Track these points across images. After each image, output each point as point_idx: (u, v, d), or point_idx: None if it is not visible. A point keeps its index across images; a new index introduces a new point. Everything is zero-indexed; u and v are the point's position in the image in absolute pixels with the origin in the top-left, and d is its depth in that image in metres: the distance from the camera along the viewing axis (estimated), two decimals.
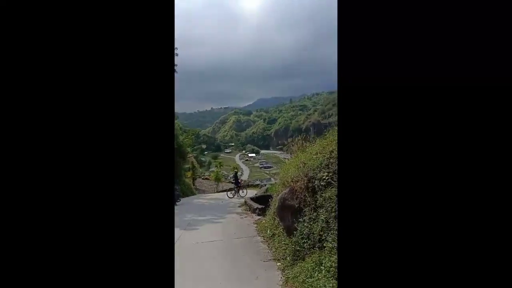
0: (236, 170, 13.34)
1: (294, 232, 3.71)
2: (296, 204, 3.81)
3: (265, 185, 15.61)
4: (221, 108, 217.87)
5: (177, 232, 6.09)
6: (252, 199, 9.19)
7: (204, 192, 17.86)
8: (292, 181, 4.07)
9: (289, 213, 3.98)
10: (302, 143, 5.09)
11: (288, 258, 3.62)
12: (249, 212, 8.00)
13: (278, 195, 5.08)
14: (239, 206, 9.09)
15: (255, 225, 6.31)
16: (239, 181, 12.32)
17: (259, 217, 7.09)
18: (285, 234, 4.17)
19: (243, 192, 12.00)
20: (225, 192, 13.04)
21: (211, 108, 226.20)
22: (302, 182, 3.79)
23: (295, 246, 3.57)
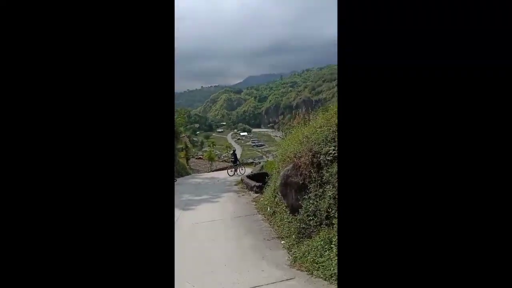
0: (234, 148, 13.09)
1: (299, 209, 3.55)
2: (301, 180, 3.62)
3: (259, 163, 15.55)
4: (211, 86, 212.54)
5: (175, 213, 5.92)
6: (248, 177, 9.06)
7: (198, 171, 17.71)
8: (295, 157, 3.85)
9: (293, 190, 3.80)
10: (304, 116, 4.82)
11: (293, 236, 3.50)
12: (246, 190, 7.88)
13: (279, 172, 4.90)
14: (235, 185, 8.96)
15: (254, 203, 6.19)
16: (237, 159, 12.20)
17: (257, 194, 6.98)
18: (288, 212, 4.03)
19: (242, 169, 11.90)
20: (221, 171, 13.01)
21: (201, 87, 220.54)
22: (306, 157, 3.58)
23: (300, 223, 3.44)
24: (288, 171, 3.92)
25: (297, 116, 5.15)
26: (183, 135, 15.12)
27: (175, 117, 14.08)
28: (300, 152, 3.80)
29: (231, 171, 11.80)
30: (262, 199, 6.26)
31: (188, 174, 14.49)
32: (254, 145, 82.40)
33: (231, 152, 12.53)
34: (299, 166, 3.70)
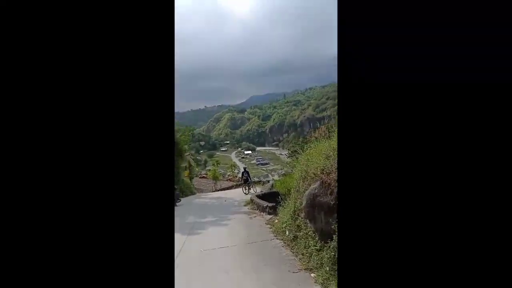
0: (245, 166, 12.57)
1: (332, 235, 2.96)
2: (331, 200, 3.06)
3: (268, 181, 14.92)
4: (214, 106, 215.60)
5: (180, 238, 5.30)
6: (258, 196, 8.47)
7: (202, 191, 17.13)
8: (323, 173, 3.31)
9: (322, 212, 3.22)
10: (327, 128, 4.34)
11: (326, 267, 2.88)
12: (257, 211, 7.26)
13: (299, 191, 4.33)
14: (244, 205, 8.33)
15: (268, 225, 5.56)
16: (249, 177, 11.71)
17: (270, 216, 6.35)
18: (316, 238, 3.42)
19: (253, 188, 11.31)
20: (227, 190, 12.49)
21: (205, 106, 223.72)
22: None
23: (335, 252, 2.83)
24: (315, 190, 3.36)
25: (318, 129, 4.65)
26: (187, 153, 14.66)
27: (179, 135, 13.72)
28: (328, 167, 3.26)
29: (245, 188, 11.37)
30: (277, 221, 5.64)
31: (192, 193, 13.86)
32: (258, 164, 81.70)
33: (243, 170, 12.04)
34: (329, 184, 3.15)
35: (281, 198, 5.96)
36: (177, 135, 13.40)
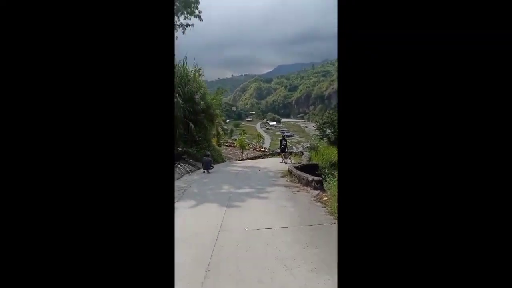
0: (283, 135, 11.69)
1: None
2: None
3: (302, 152, 13.94)
4: (241, 75, 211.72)
5: (219, 210, 4.60)
6: (296, 168, 7.58)
7: (229, 159, 16.72)
8: None
9: None
10: None
11: None
12: (298, 184, 6.39)
13: None
14: (282, 177, 7.51)
15: (319, 203, 4.66)
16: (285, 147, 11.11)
17: (317, 191, 5.45)
18: None
19: (289, 159, 10.58)
20: (255, 160, 11.88)
21: (231, 75, 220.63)
22: None
23: None
24: None
25: None
26: (217, 120, 13.88)
27: (210, 98, 12.85)
28: None
29: (284, 158, 10.90)
30: (326, 198, 4.72)
31: (223, 161, 13.33)
32: (283, 135, 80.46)
33: (281, 138, 11.36)
34: None
35: (322, 172, 4.96)
36: (209, 98, 12.56)
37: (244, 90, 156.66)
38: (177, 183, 7.10)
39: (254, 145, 40.30)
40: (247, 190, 6.12)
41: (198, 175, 8.42)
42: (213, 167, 9.15)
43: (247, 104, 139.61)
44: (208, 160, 8.86)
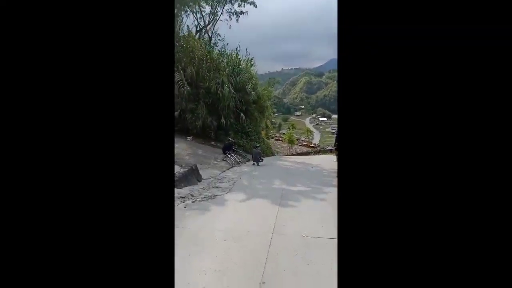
0: (337, 131, 10.76)
1: None
2: None
3: None
4: (291, 68, 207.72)
5: (271, 208, 4.17)
6: None
7: (277, 153, 16.28)
8: None
9: None
10: None
11: None
12: None
13: None
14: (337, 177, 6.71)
15: None
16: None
17: None
18: None
19: None
20: (305, 156, 11.18)
21: (281, 69, 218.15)
22: None
23: None
24: None
25: None
26: (267, 112, 13.44)
27: (262, 89, 12.44)
28: None
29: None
30: None
31: (272, 154, 12.94)
32: (334, 132, 76.82)
33: (336, 135, 10.39)
34: None
35: None
36: (260, 89, 12.19)
37: (294, 84, 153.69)
38: (227, 174, 6.91)
39: (302, 140, 39.15)
40: (301, 188, 5.56)
41: (248, 167, 8.15)
42: (263, 159, 8.78)
43: (296, 98, 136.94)
44: (257, 152, 8.52)
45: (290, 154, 21.82)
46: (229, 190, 5.30)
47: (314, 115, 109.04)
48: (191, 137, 10.07)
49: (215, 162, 7.94)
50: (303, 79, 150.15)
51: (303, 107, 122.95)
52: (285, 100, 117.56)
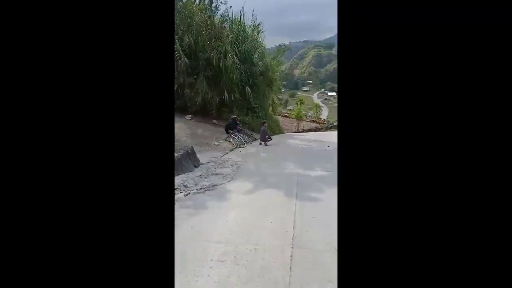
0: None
1: None
2: None
3: None
4: (299, 41, 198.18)
5: (285, 202, 3.20)
6: None
7: (285, 130, 15.16)
8: None
9: None
10: None
11: None
12: None
13: None
14: None
15: None
16: None
17: None
18: None
19: None
20: (315, 132, 10.07)
21: (289, 42, 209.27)
22: None
23: None
24: None
25: None
26: (276, 85, 12.12)
27: (269, 59, 11.04)
28: None
29: None
30: None
31: (281, 132, 11.84)
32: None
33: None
34: None
35: None
36: (268, 59, 10.79)
37: (302, 57, 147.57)
38: (230, 156, 5.93)
39: (311, 116, 37.73)
40: (320, 172, 4.55)
41: (254, 148, 7.14)
42: (271, 138, 7.73)
43: (304, 72, 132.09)
44: (263, 129, 7.46)
45: (298, 131, 20.83)
46: (232, 177, 4.33)
47: (323, 89, 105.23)
48: (190, 116, 9.01)
49: (217, 143, 6.95)
50: (312, 52, 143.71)
51: (311, 81, 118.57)
52: (292, 75, 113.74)
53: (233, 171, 4.73)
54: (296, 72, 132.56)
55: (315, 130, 20.37)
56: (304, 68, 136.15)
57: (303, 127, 24.84)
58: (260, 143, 7.47)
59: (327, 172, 4.51)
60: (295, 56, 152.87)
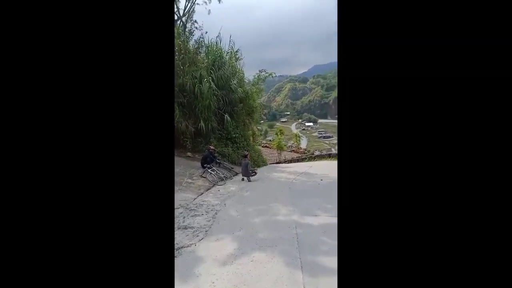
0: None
1: None
2: None
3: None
4: (276, 76, 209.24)
5: (288, 275, 2.03)
6: None
7: (267, 161, 14.20)
8: None
9: None
10: None
11: None
12: None
13: None
14: None
15: None
16: None
17: None
18: None
19: None
20: (298, 163, 9.28)
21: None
22: None
23: None
24: None
25: None
26: (258, 113, 11.37)
27: (249, 87, 10.37)
28: None
29: None
30: None
31: (265, 164, 10.79)
32: (321, 137, 75.99)
33: (321, 135, 8.33)
34: None
35: None
36: (247, 87, 10.07)
37: (278, 90, 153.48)
38: (206, 198, 4.71)
39: (291, 145, 37.46)
40: (323, 218, 3.47)
41: (235, 184, 5.98)
42: (256, 172, 6.63)
43: (281, 105, 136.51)
44: (246, 162, 6.39)
45: (280, 162, 20.03)
46: (206, 232, 3.12)
47: (300, 120, 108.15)
48: None
49: (190, 180, 5.71)
50: (288, 85, 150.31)
51: (288, 113, 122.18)
52: (270, 107, 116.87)
53: (208, 221, 3.52)
54: (274, 104, 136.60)
55: (297, 160, 19.79)
56: (282, 101, 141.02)
57: (285, 157, 24.19)
58: (243, 179, 6.35)
59: (330, 217, 3.45)
60: (272, 89, 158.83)
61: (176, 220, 3.53)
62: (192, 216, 3.71)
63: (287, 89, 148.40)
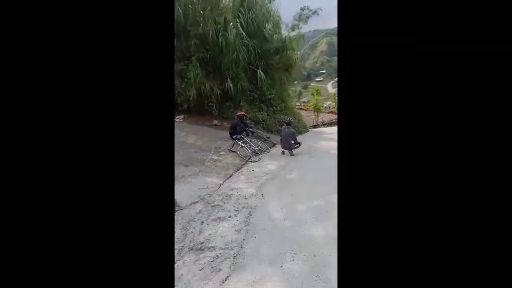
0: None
1: None
2: None
3: None
4: (309, 31, 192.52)
5: None
6: None
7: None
8: None
9: None
10: None
11: None
12: None
13: None
14: None
15: None
16: None
17: None
18: None
19: None
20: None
21: (297, 33, 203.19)
22: None
23: None
24: None
25: None
26: (297, 66, 9.33)
27: (288, 42, 8.29)
28: None
29: None
30: None
31: (306, 130, 9.15)
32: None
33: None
34: None
35: None
36: (286, 41, 8.00)
37: (313, 47, 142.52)
38: (235, 185, 3.41)
39: (328, 106, 34.50)
40: None
41: (275, 160, 4.59)
42: (300, 143, 5.11)
43: (316, 63, 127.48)
44: (290, 132, 4.88)
45: (317, 125, 18.24)
46: (234, 260, 1.83)
47: (337, 78, 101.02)
48: (181, 116, 6.55)
49: (216, 157, 4.45)
50: (324, 41, 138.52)
51: (324, 71, 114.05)
52: (304, 66, 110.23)
53: (239, 231, 2.23)
54: (308, 62, 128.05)
55: (336, 122, 17.94)
56: (317, 58, 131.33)
57: (322, 119, 22.23)
58: (283, 152, 4.93)
59: None
60: (305, 46, 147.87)
61: (190, 228, 2.30)
62: (214, 219, 2.45)
63: (323, 44, 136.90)
